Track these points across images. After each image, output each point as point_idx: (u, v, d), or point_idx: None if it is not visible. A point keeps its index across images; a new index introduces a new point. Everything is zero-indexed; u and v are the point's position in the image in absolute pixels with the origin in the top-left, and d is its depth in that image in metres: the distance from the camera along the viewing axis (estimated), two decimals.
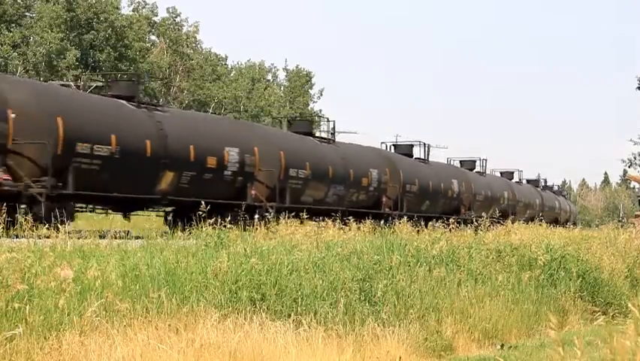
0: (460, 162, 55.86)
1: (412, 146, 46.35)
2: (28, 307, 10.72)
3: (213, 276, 13.52)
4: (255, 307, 13.39)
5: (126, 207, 27.52)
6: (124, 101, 27.82)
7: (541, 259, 21.16)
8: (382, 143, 45.66)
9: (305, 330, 13.34)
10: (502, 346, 16.67)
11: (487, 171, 61.31)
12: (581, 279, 21.90)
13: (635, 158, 52.15)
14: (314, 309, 14.02)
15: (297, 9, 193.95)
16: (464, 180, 48.62)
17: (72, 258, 12.46)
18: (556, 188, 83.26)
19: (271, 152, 31.79)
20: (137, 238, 17.43)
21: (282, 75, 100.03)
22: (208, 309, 12.65)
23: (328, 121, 40.73)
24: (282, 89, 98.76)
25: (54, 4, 69.98)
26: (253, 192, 30.40)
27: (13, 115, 23.29)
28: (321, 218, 24.06)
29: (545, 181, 76.61)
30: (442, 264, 18.56)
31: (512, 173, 65.66)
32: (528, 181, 70.61)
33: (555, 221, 60.22)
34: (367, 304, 15.05)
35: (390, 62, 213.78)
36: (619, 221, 48.59)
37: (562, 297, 20.70)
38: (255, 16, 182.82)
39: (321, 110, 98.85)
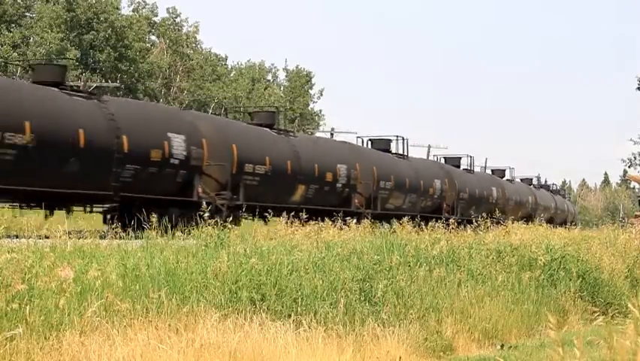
0: (445, 158, 53.86)
1: (390, 141, 44.10)
2: (28, 307, 10.72)
3: (213, 276, 13.54)
4: (255, 307, 13.40)
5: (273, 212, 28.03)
6: (267, 129, 33.89)
7: (541, 260, 21.18)
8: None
9: (305, 330, 13.35)
10: (502, 346, 16.68)
11: (487, 170, 60.62)
12: (581, 279, 21.92)
13: (635, 158, 52.16)
14: (314, 309, 14.03)
15: (297, 9, 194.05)
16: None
17: (72, 258, 12.47)
18: (553, 187, 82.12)
19: (367, 168, 38.14)
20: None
21: (282, 75, 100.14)
22: (208, 309, 12.66)
23: (404, 140, 44.88)
24: (282, 89, 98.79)
25: (54, 5, 70.01)
26: (356, 200, 37.18)
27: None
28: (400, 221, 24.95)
29: (539, 179, 75.55)
30: (442, 264, 18.57)
31: (504, 171, 62.74)
32: (522, 180, 68.19)
33: (551, 221, 57.98)
34: (367, 304, 15.06)
35: (390, 62, 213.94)
36: (619, 221, 48.54)
37: (562, 297, 20.71)
38: (255, 16, 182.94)
39: (321, 111, 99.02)
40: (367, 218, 28.86)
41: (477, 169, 56.62)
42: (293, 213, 20.97)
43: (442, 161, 52.69)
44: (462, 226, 26.48)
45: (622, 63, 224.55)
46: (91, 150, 24.62)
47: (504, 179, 60.55)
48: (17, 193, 23.85)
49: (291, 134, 36.23)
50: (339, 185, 36.05)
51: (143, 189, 26.17)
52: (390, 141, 44.65)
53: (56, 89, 25.55)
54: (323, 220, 21.07)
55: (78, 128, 24.53)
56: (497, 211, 41.51)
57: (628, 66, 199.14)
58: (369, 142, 44.06)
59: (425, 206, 42.96)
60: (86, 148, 24.51)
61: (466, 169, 53.21)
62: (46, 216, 24.62)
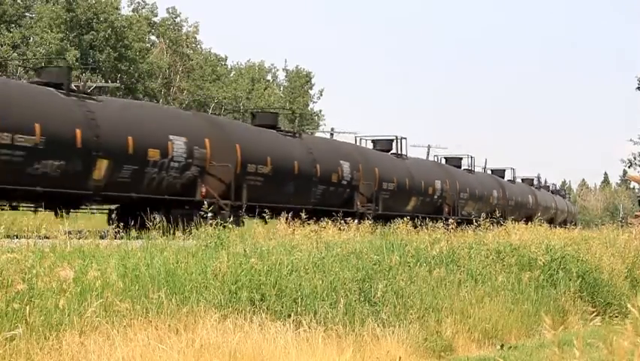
0: (445, 158, 53.88)
1: (391, 141, 44.31)
2: (28, 307, 10.73)
3: (213, 276, 13.54)
4: (255, 307, 13.41)
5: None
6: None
7: (541, 260, 21.18)
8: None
9: (305, 330, 13.36)
10: (502, 346, 16.68)
11: (487, 171, 60.55)
12: (580, 279, 21.92)
13: (635, 158, 52.18)
14: (314, 309, 14.04)
15: (297, 9, 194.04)
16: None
17: (72, 258, 12.48)
18: (553, 187, 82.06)
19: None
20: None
21: (281, 75, 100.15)
22: (208, 309, 12.67)
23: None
24: (281, 89, 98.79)
25: (54, 5, 70.02)
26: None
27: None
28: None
29: (539, 179, 75.57)
30: (441, 264, 18.58)
31: (504, 171, 62.54)
32: (523, 180, 68.03)
33: (551, 221, 57.98)
34: (367, 304, 15.06)
35: (390, 62, 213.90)
36: (619, 221, 48.52)
37: (561, 297, 20.72)
38: (255, 16, 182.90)
39: (321, 111, 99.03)
40: (369, 218, 29.16)
41: (478, 169, 56.62)
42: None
43: (443, 161, 52.69)
44: (463, 226, 26.61)
45: (622, 63, 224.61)
46: None
47: (505, 179, 60.49)
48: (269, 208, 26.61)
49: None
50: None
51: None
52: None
53: (274, 131, 33.65)
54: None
55: None
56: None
57: (628, 66, 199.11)
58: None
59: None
60: None
61: (467, 169, 53.28)
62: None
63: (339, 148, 38.59)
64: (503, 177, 60.96)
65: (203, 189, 28.00)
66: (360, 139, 43.59)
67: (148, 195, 25.81)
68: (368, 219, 28.22)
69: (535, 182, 72.11)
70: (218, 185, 29.01)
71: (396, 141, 44.64)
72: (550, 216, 64.25)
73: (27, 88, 25.02)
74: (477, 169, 55.96)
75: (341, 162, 36.41)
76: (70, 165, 24.06)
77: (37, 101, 23.99)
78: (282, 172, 32.09)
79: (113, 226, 16.44)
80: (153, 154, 26.40)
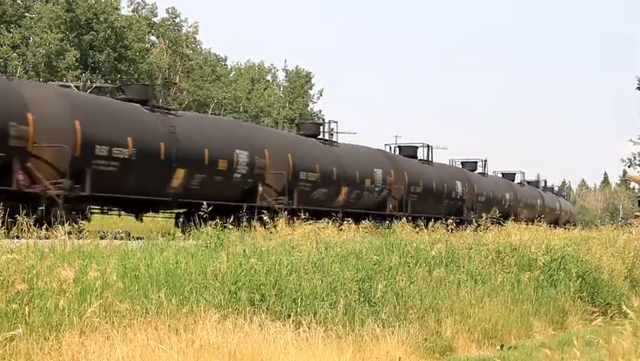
0: (462, 163, 56.16)
1: (417, 148, 46.85)
2: (28, 307, 10.73)
3: (213, 276, 13.54)
4: (255, 307, 13.40)
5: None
6: (314, 139, 36.95)
7: (540, 260, 21.16)
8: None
9: (305, 330, 13.35)
10: (501, 346, 16.68)
11: (490, 173, 61.43)
12: (580, 279, 21.90)
13: (634, 158, 52.17)
14: (314, 309, 14.03)
15: (297, 9, 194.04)
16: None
17: (72, 258, 12.47)
18: (556, 189, 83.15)
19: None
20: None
21: (281, 75, 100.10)
22: (208, 310, 12.66)
23: (485, 161, 54.37)
24: (281, 89, 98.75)
25: (54, 5, 69.97)
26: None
27: None
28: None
29: (545, 182, 76.68)
30: (441, 264, 18.56)
31: (514, 174, 65.76)
32: (529, 183, 70.51)
33: (556, 222, 60.45)
34: (367, 304, 15.05)
35: (390, 62, 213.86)
36: (619, 221, 48.53)
37: (561, 298, 20.71)
38: (255, 16, 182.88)
39: (320, 111, 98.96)
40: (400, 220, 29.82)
41: (490, 173, 59.46)
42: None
43: (459, 165, 55.44)
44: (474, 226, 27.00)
45: (622, 63, 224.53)
46: None
47: (515, 182, 62.63)
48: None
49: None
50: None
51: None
52: (417, 147, 47.69)
53: (314, 140, 37.07)
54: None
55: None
56: (510, 213, 44.21)
57: (628, 66, 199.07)
58: (397, 149, 47.43)
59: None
60: None
61: (480, 173, 55.75)
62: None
63: (370, 155, 41.32)
64: (513, 180, 63.06)
65: (390, 204, 33.27)
66: (392, 146, 47.08)
67: (216, 201, 26.77)
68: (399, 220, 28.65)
69: (541, 185, 73.79)
70: (274, 191, 32.07)
71: (426, 148, 48.24)
72: (555, 217, 66.30)
73: (119, 105, 27.70)
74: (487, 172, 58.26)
75: (375, 169, 39.54)
76: (155, 174, 26.94)
77: (128, 116, 26.77)
78: (327, 178, 35.46)
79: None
80: (222, 164, 29.67)
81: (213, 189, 28.91)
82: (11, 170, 22.52)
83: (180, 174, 27.94)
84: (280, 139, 35.36)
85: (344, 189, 36.71)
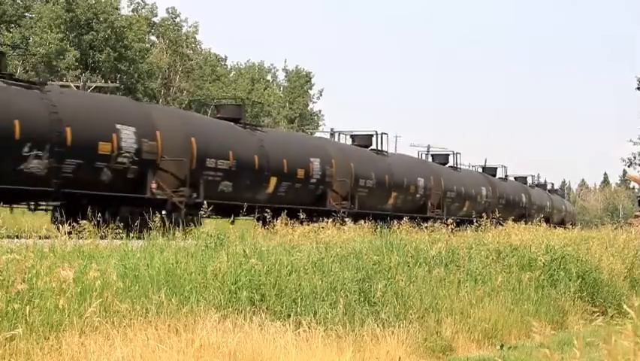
0: (432, 156, 54.02)
1: (448, 155, 49.19)
2: (28, 307, 10.73)
3: (213, 276, 13.54)
4: (255, 307, 13.40)
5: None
6: (367, 149, 41.66)
7: (540, 260, 21.16)
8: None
9: (305, 330, 13.35)
10: (501, 346, 16.68)
11: (475, 169, 60.01)
12: (580, 279, 21.90)
13: (634, 157, 52.14)
14: (314, 309, 14.03)
15: (297, 9, 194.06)
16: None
17: (72, 258, 12.47)
18: (551, 186, 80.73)
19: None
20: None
21: (281, 75, 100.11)
22: (208, 309, 12.66)
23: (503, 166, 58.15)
24: (281, 89, 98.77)
25: (53, 5, 69.99)
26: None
27: None
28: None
29: (544, 180, 75.22)
30: (441, 264, 18.56)
31: (495, 169, 61.21)
32: (516, 178, 66.28)
33: (546, 221, 56.83)
34: (367, 304, 15.05)
35: (390, 62, 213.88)
36: (618, 221, 48.44)
37: (561, 297, 20.70)
38: (255, 16, 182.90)
39: (320, 111, 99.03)
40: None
41: (465, 167, 57.76)
42: None
43: (429, 158, 54.69)
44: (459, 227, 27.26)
45: (622, 63, 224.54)
46: None
47: (497, 177, 59.77)
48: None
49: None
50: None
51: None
52: (448, 155, 52.01)
53: (368, 150, 42.49)
54: None
55: None
56: (486, 211, 45.38)
57: (628, 66, 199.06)
58: (431, 157, 52.26)
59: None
60: None
61: (452, 167, 53.08)
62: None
63: (414, 163, 46.80)
64: (495, 175, 59.64)
65: (331, 199, 35.62)
66: (425, 153, 49.53)
67: (294, 205, 30.91)
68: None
69: (530, 180, 70.70)
70: (339, 196, 36.68)
71: (453, 155, 52.08)
72: (545, 215, 62.54)
73: (220, 123, 32.33)
74: (464, 167, 56.20)
75: (418, 178, 43.95)
76: (253, 182, 31.38)
77: (227, 133, 31.29)
78: (381, 185, 39.79)
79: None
80: (300, 173, 34.23)
81: (294, 195, 33.47)
82: (146, 180, 26.56)
83: (272, 182, 32.57)
84: (344, 150, 39.43)
85: (393, 194, 41.03)
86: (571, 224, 54.18)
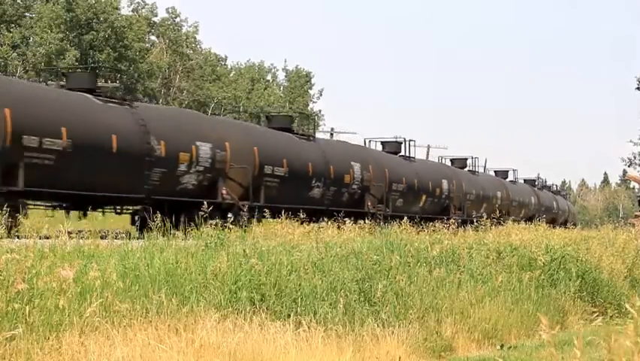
0: (451, 160, 55.59)
1: (400, 143, 47.22)
2: (28, 307, 10.72)
3: (213, 276, 13.54)
4: (255, 307, 13.40)
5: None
6: (396, 156, 44.70)
7: (541, 260, 21.15)
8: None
9: (305, 330, 13.35)
10: (501, 346, 16.67)
11: (489, 171, 61.60)
12: (580, 279, 21.89)
13: (634, 157, 52.16)
14: (313, 309, 14.03)
15: (297, 9, 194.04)
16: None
17: (72, 258, 12.47)
18: (555, 188, 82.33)
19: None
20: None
21: (281, 75, 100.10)
22: (208, 309, 12.66)
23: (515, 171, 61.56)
24: (281, 89, 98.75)
25: (54, 5, 69.98)
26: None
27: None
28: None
29: (544, 181, 76.02)
30: (442, 264, 18.55)
31: (507, 172, 64.70)
32: (525, 181, 69.48)
33: (553, 221, 59.75)
34: (367, 304, 15.05)
35: (390, 62, 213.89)
36: (618, 221, 48.48)
37: (561, 297, 20.69)
38: (255, 16, 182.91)
39: (320, 111, 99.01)
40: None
41: (482, 171, 60.28)
42: None
43: (449, 162, 56.06)
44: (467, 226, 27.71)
45: (622, 63, 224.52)
46: None
47: (507, 180, 62.38)
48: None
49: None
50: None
51: None
52: (466, 159, 54.84)
53: (396, 156, 45.57)
54: None
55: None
56: (501, 212, 45.85)
57: (628, 66, 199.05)
58: (450, 161, 53.87)
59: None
60: None
61: (470, 171, 56.02)
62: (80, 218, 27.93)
63: (438, 168, 49.79)
64: (506, 178, 62.38)
65: (369, 202, 38.49)
66: (445, 158, 51.77)
67: (339, 208, 34.50)
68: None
69: (538, 183, 72.52)
70: (376, 200, 39.14)
71: (476, 160, 55.58)
72: (551, 216, 65.24)
73: (275, 133, 35.22)
74: (479, 170, 58.15)
75: (443, 180, 46.99)
76: (303, 187, 34.50)
77: (282, 142, 34.55)
78: (410, 189, 43.04)
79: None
80: (348, 178, 37.42)
81: (339, 199, 36.51)
82: (217, 186, 29.55)
83: (321, 187, 35.62)
84: (379, 156, 42.17)
85: (422, 198, 44.31)
86: (572, 224, 54.99)
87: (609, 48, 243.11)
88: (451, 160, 55.55)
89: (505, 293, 18.77)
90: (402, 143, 46.32)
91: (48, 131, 23.71)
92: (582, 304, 21.28)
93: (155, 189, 26.94)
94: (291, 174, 33.48)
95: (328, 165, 36.37)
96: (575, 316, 20.50)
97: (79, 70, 38.17)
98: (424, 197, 44.65)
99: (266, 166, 32.25)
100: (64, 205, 26.36)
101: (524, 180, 69.37)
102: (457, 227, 24.83)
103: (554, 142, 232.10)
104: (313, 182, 35.31)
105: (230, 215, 27.41)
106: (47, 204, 26.33)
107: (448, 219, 29.92)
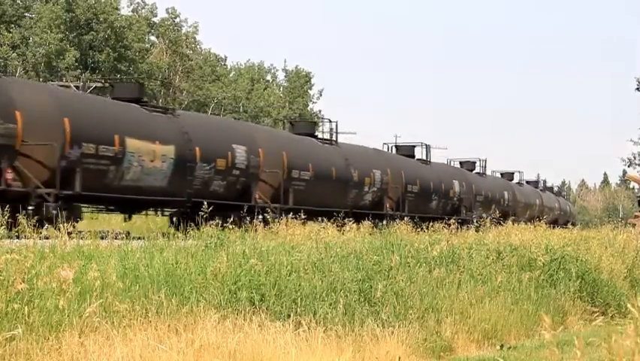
0: (460, 162, 56.40)
1: (414, 147, 48.70)
2: (27, 307, 10.72)
3: (213, 277, 13.53)
4: (255, 307, 13.39)
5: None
6: (411, 159, 46.47)
7: (540, 260, 21.15)
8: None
9: (304, 331, 13.34)
10: (501, 346, 16.67)
11: (488, 172, 61.84)
12: (580, 279, 21.89)
13: (634, 158, 52.15)
14: (313, 309, 14.02)
15: (297, 9, 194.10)
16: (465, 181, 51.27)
17: (72, 259, 12.47)
18: (556, 189, 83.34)
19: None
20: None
21: (281, 75, 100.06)
22: (207, 310, 12.65)
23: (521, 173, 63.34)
24: (281, 89, 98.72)
25: (53, 5, 69.96)
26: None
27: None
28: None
29: (545, 182, 76.80)
30: (441, 265, 18.55)
31: (512, 174, 66.13)
32: (528, 182, 70.98)
33: (555, 222, 61.06)
34: (367, 304, 15.04)
35: (390, 62, 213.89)
36: (618, 221, 48.45)
37: (561, 297, 20.69)
38: (255, 16, 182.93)
39: (320, 111, 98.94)
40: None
41: (488, 173, 61.31)
42: None
43: (458, 165, 57.55)
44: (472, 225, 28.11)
45: (622, 64, 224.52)
46: None
47: (513, 182, 63.59)
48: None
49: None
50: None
51: None
52: (475, 162, 56.52)
53: (412, 160, 47.20)
54: None
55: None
56: (509, 213, 49.40)
57: (628, 67, 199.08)
58: (460, 163, 55.16)
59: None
60: None
61: (478, 173, 57.51)
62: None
63: (452, 172, 51.44)
64: (512, 180, 63.51)
65: (387, 204, 40.48)
66: (388, 147, 49.57)
67: (361, 210, 37.34)
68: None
69: (541, 185, 73.81)
70: (393, 201, 41.11)
71: (480, 162, 56.76)
72: (554, 217, 66.59)
73: (301, 139, 36.75)
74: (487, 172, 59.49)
75: (454, 183, 48.74)
76: (335, 190, 36.50)
77: (307, 147, 36.32)
78: (425, 191, 44.98)
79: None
80: (368, 181, 39.18)
81: (359, 201, 37.93)
82: (250, 191, 31.46)
83: (344, 190, 37.42)
84: (398, 160, 44.28)
85: (435, 199, 46.29)
86: (572, 224, 55.38)
87: (609, 48, 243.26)
88: (460, 162, 57.06)
89: (504, 293, 18.76)
90: (415, 146, 48.04)
91: (103, 139, 25.36)
92: (582, 304, 21.28)
93: (195, 192, 28.63)
94: (316, 178, 34.99)
95: (350, 168, 37.83)
96: (574, 316, 20.50)
97: (125, 81, 39.62)
98: (435, 198, 46.74)
99: (293, 170, 34.01)
100: (113, 208, 28.22)
101: (527, 182, 70.87)
102: (458, 228, 24.96)
103: (554, 142, 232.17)
104: (337, 185, 36.76)
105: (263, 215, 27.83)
106: (100, 206, 27.92)
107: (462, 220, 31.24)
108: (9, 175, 22.77)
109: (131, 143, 26.30)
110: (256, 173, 31.96)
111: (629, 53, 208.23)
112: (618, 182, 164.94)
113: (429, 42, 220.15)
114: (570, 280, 21.43)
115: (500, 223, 28.18)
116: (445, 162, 55.36)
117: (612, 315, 19.47)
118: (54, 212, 21.87)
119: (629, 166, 54.24)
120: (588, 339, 8.97)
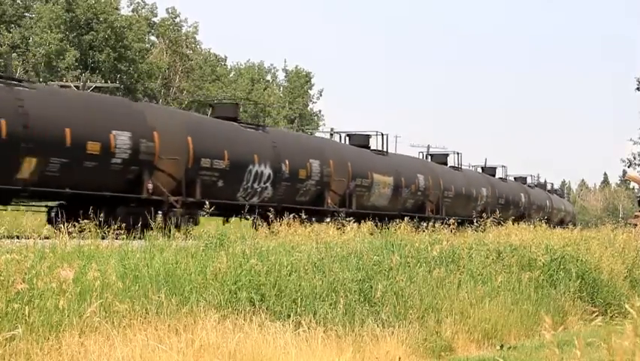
0: (430, 155, 53.69)
1: (447, 155, 51.35)
2: (28, 307, 10.72)
3: (213, 277, 13.53)
4: (255, 307, 13.39)
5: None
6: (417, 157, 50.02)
7: (540, 260, 21.15)
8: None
9: (304, 331, 13.35)
10: (501, 346, 16.67)
11: (475, 169, 60.10)
12: (580, 280, 21.89)
13: (634, 158, 52.14)
14: (313, 310, 14.03)
15: (297, 9, 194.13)
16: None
17: (72, 259, 12.47)
18: (551, 186, 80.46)
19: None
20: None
21: (281, 75, 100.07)
22: (207, 310, 12.65)
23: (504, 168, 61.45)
24: (281, 89, 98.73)
25: (53, 5, 69.97)
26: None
27: None
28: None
29: (536, 178, 74.85)
30: (441, 265, 18.54)
31: (494, 169, 61.00)
32: (515, 178, 65.54)
33: (547, 221, 56.78)
34: (367, 304, 15.05)
35: (390, 62, 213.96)
36: (617, 222, 48.43)
37: (561, 298, 20.69)
38: (255, 16, 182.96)
39: (320, 111, 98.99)
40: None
41: (465, 167, 58.06)
42: None
43: (429, 158, 55.45)
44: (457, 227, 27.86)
45: (622, 64, 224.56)
46: None
47: (496, 177, 59.88)
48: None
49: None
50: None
51: None
52: (495, 168, 58.21)
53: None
54: None
55: None
56: (486, 210, 46.24)
57: (628, 67, 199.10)
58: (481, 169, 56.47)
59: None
60: None
61: (452, 167, 52.47)
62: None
63: (478, 177, 53.79)
64: (494, 175, 59.59)
65: (428, 208, 44.08)
66: (479, 167, 52.45)
67: (408, 213, 37.91)
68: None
69: (529, 180, 70.07)
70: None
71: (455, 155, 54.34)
72: (544, 215, 62.20)
73: (350, 147, 40.73)
74: (465, 167, 55.61)
75: (482, 189, 51.87)
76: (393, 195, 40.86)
77: (365, 157, 40.26)
78: (460, 195, 47.97)
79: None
80: (413, 187, 42.74)
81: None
82: (323, 196, 35.62)
83: (388, 192, 40.40)
84: (435, 168, 47.36)
85: (466, 202, 49.34)
86: (572, 224, 54.10)
87: (609, 48, 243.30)
88: (430, 155, 54.26)
89: (504, 293, 18.76)
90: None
91: (215, 154, 29.48)
92: (582, 304, 21.28)
93: (282, 198, 32.75)
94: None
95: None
96: (574, 316, 20.50)
97: (223, 102, 43.03)
98: (466, 202, 49.63)
99: (357, 178, 37.99)
100: (217, 213, 30.65)
101: (515, 178, 65.33)
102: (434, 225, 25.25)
103: (554, 142, 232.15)
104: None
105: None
106: (208, 211, 29.26)
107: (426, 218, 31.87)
108: (149, 185, 27.02)
109: (235, 157, 30.62)
110: (328, 182, 36.34)
111: (629, 52, 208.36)
112: (618, 182, 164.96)
113: (429, 42, 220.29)
114: (570, 280, 21.42)
115: (500, 223, 28.10)
116: (470, 168, 57.35)
117: (612, 315, 19.48)
118: (180, 217, 26.99)
119: (629, 166, 54.23)
120: (588, 339, 8.98)
